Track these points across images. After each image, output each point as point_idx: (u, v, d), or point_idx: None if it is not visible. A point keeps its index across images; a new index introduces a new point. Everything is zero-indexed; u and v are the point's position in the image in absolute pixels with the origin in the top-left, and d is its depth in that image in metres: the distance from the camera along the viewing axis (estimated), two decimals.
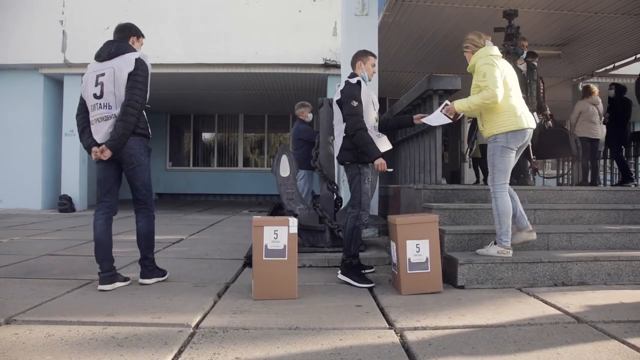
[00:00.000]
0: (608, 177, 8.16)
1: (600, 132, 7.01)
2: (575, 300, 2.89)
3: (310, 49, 9.06)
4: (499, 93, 3.24)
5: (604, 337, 2.25)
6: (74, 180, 9.36)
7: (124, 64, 3.03)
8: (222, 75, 9.69)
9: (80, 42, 9.16)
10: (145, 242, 3.26)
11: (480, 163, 8.69)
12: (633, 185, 6.55)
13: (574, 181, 8.22)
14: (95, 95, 3.06)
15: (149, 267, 3.27)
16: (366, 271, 3.67)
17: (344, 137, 3.50)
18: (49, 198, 9.61)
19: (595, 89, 7.22)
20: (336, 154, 3.64)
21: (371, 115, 3.55)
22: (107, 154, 3.02)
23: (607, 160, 8.20)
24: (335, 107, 3.60)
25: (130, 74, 3.01)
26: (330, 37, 9.10)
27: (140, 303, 2.75)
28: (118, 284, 3.12)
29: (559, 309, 2.72)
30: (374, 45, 5.60)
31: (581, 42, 7.70)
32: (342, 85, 3.61)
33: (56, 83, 9.83)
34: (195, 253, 4.51)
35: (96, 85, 3.05)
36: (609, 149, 7.53)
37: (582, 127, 6.91)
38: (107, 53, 3.08)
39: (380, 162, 3.41)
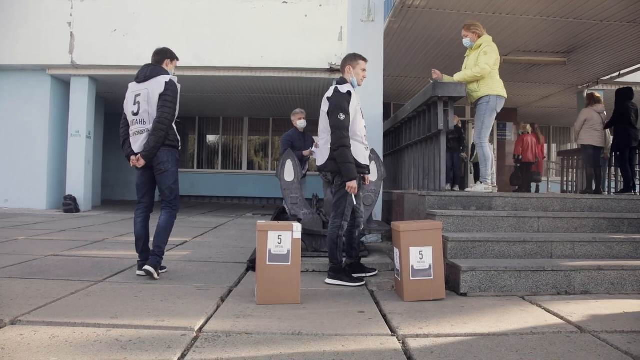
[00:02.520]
0: (612, 185, 8.11)
1: (605, 139, 6.98)
2: (579, 310, 2.88)
3: (316, 53, 9.09)
4: (487, 70, 4.33)
5: (606, 347, 2.25)
6: (79, 181, 9.42)
7: (157, 85, 3.49)
8: (227, 78, 9.74)
9: (88, 44, 9.25)
10: (161, 233, 3.58)
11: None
12: (634, 193, 6.49)
13: (578, 189, 8.20)
14: (133, 113, 3.55)
15: (158, 258, 3.52)
16: (368, 274, 3.69)
17: (330, 148, 3.48)
18: (53, 198, 9.66)
19: (599, 96, 7.19)
20: (320, 161, 3.63)
21: (359, 125, 3.52)
22: (142, 163, 3.51)
23: (612, 168, 8.15)
24: (322, 114, 3.56)
25: (160, 95, 3.47)
26: (336, 42, 9.13)
27: (144, 306, 2.77)
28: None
29: (561, 318, 2.72)
30: (379, 50, 5.63)
31: (586, 49, 7.71)
32: (331, 92, 3.52)
33: (63, 84, 9.90)
34: (198, 256, 4.53)
35: (134, 104, 3.55)
36: (613, 156, 7.46)
37: (586, 135, 6.88)
38: (143, 76, 3.57)
39: (352, 186, 3.42)
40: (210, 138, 15.19)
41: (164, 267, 3.72)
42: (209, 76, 9.42)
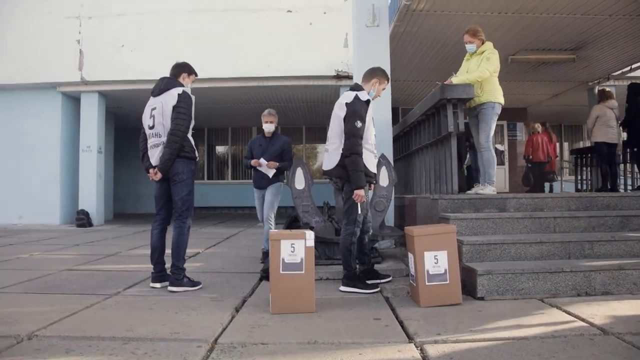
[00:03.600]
0: (629, 182, 7.96)
1: (619, 136, 6.86)
2: (600, 311, 2.81)
3: (322, 60, 9.12)
4: (486, 75, 4.42)
5: (632, 349, 2.18)
6: (91, 195, 9.51)
7: (170, 98, 3.51)
8: (234, 89, 9.80)
9: (96, 61, 9.39)
10: (174, 250, 3.55)
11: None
12: None
13: (592, 187, 8.06)
14: (149, 126, 3.60)
15: (176, 276, 3.52)
16: (382, 280, 3.65)
17: (341, 154, 3.47)
18: (67, 213, 9.77)
19: (611, 92, 7.09)
20: (327, 166, 3.60)
21: (371, 134, 3.57)
22: (159, 176, 3.55)
23: (627, 165, 8.01)
24: (336, 119, 3.52)
25: (174, 107, 3.49)
26: (342, 49, 9.15)
27: (158, 318, 2.76)
28: (166, 284, 3.56)
29: (583, 320, 2.65)
30: (385, 55, 5.61)
31: (596, 45, 7.61)
32: (350, 98, 3.50)
33: (73, 100, 10.05)
34: (211, 267, 4.52)
35: (150, 117, 3.59)
36: (628, 153, 7.34)
37: (599, 132, 6.78)
38: (158, 89, 3.60)
39: (360, 194, 3.42)
40: (220, 149, 15.27)
41: (199, 283, 3.60)
42: (216, 87, 9.48)
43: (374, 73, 3.68)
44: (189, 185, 3.59)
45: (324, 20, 9.28)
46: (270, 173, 4.75)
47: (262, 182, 4.83)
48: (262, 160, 4.73)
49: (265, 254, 4.56)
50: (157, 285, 3.58)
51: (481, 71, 4.40)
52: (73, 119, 9.98)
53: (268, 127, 4.88)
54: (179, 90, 3.55)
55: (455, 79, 4.48)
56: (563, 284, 3.24)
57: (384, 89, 3.73)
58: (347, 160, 3.42)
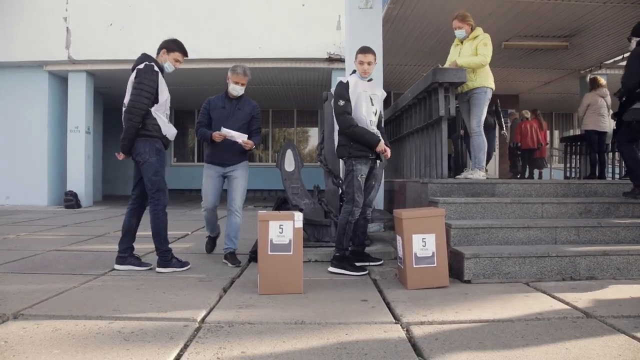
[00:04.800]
0: (616, 170, 8.05)
1: (609, 124, 6.92)
2: (584, 295, 2.86)
3: (314, 43, 9.02)
4: (487, 61, 4.46)
5: (613, 332, 2.22)
6: (79, 177, 9.41)
7: (132, 75, 3.41)
8: (226, 70, 9.64)
9: (84, 39, 9.19)
10: (154, 235, 3.49)
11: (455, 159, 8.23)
12: None
13: (581, 174, 8.15)
14: (123, 105, 3.48)
15: (163, 257, 3.49)
16: (373, 263, 3.68)
17: (338, 134, 3.61)
18: (54, 194, 9.66)
19: (603, 80, 7.11)
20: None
21: (362, 111, 3.51)
22: (121, 156, 3.48)
23: (615, 154, 8.10)
24: (329, 107, 3.69)
25: (132, 83, 3.38)
26: (334, 31, 9.05)
27: (146, 298, 2.75)
28: (130, 267, 3.51)
29: (567, 303, 2.69)
30: (378, 38, 5.55)
31: (589, 33, 7.60)
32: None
33: (61, 80, 9.85)
34: (200, 248, 4.51)
35: (125, 96, 3.46)
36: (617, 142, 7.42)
37: (590, 120, 6.82)
38: (133, 67, 3.46)
39: (382, 148, 3.49)
40: None
41: (187, 264, 3.57)
42: (207, 68, 9.36)
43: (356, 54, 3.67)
44: (153, 166, 3.41)
45: (316, 2, 9.15)
46: (240, 139, 3.72)
47: (227, 157, 3.80)
48: (235, 133, 3.69)
49: (212, 240, 4.29)
50: (118, 267, 3.50)
51: (485, 56, 4.41)
52: (61, 99, 9.80)
53: (237, 90, 3.83)
54: (141, 65, 3.37)
55: (459, 60, 4.45)
56: (549, 268, 3.29)
57: (360, 62, 3.54)
58: (349, 135, 3.49)
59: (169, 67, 3.56)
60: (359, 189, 3.51)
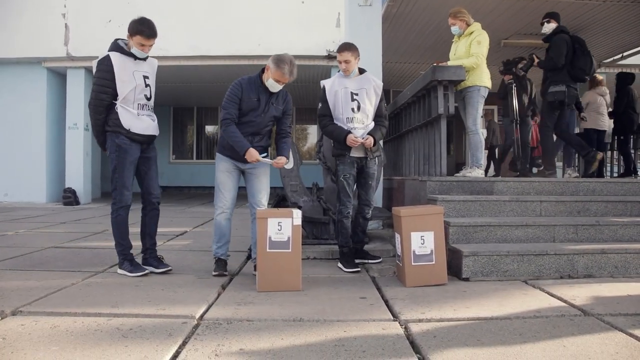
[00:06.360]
0: (615, 169, 8.06)
1: (607, 123, 6.92)
2: (582, 293, 2.86)
3: (314, 40, 8.99)
4: (481, 61, 4.41)
5: (610, 329, 2.23)
6: (78, 173, 9.38)
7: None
8: (225, 67, 9.65)
9: (83, 36, 9.14)
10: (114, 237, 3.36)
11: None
12: (635, 177, 6.47)
13: (580, 173, 8.15)
14: None
15: (121, 260, 3.33)
16: (372, 261, 3.70)
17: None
18: (53, 191, 9.64)
19: (602, 79, 7.11)
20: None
21: (338, 109, 3.52)
22: (103, 149, 3.33)
23: (614, 152, 8.11)
24: None
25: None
26: (334, 29, 9.02)
27: (144, 295, 2.76)
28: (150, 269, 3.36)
29: (565, 301, 2.70)
30: (378, 36, 5.54)
31: (588, 31, 7.58)
32: None
33: (59, 76, 9.82)
34: (199, 245, 4.52)
35: None
36: (615, 140, 7.42)
37: (589, 119, 6.81)
38: None
39: (350, 139, 3.44)
40: (209, 128, 15.10)
41: (164, 266, 3.38)
42: (206, 65, 9.32)
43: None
44: (112, 162, 3.22)
45: None
46: (273, 162, 3.35)
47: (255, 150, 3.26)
48: (270, 161, 3.32)
49: (224, 263, 3.40)
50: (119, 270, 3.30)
51: (476, 57, 4.38)
52: (59, 96, 9.76)
53: (276, 88, 3.30)
54: (101, 57, 3.13)
55: (450, 62, 4.47)
56: (547, 266, 3.30)
57: (339, 62, 3.50)
58: (327, 136, 3.68)
59: (137, 53, 3.16)
60: (342, 188, 3.57)
